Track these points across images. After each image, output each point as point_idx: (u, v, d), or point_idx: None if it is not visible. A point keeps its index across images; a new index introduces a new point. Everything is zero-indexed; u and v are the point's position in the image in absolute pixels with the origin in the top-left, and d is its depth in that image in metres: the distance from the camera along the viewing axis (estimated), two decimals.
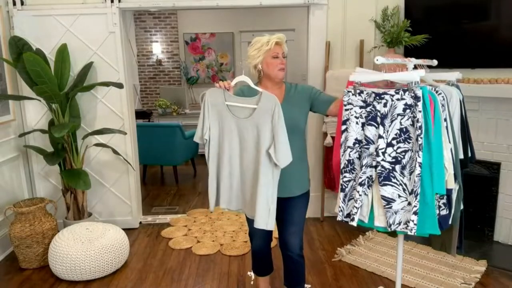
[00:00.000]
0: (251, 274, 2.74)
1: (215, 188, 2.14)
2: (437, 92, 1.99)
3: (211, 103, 2.06)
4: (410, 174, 1.93)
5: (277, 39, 2.15)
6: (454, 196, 2.09)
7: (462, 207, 2.20)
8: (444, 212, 2.04)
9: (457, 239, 2.29)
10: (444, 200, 2.03)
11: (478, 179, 3.49)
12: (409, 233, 1.93)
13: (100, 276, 3.04)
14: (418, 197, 1.89)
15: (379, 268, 3.11)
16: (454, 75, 2.25)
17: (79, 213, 3.55)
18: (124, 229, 3.41)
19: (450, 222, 2.10)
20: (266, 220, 2.03)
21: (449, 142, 2.00)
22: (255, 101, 2.02)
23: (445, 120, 1.99)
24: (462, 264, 3.12)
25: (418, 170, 1.87)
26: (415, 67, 2.17)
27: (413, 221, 1.91)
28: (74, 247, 2.97)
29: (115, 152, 3.58)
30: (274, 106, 1.98)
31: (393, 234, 3.56)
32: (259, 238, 2.44)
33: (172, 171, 5.66)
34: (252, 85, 2.09)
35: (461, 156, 2.15)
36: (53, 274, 3.09)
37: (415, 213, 1.90)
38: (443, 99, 2.00)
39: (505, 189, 3.41)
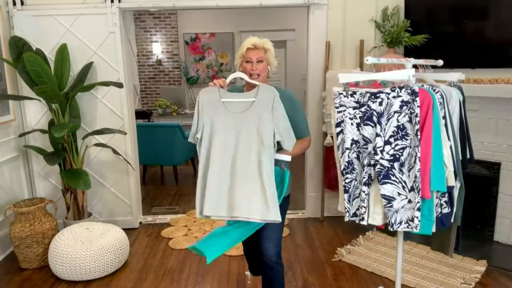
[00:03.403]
0: (248, 274, 2.75)
1: (200, 192, 2.00)
2: (435, 90, 2.00)
3: (206, 102, 2.05)
4: (409, 171, 1.94)
5: (250, 45, 2.13)
6: (455, 193, 2.09)
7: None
8: (446, 210, 2.04)
9: (455, 240, 2.29)
10: (446, 198, 2.04)
11: (478, 179, 3.49)
12: (414, 230, 1.92)
13: (100, 276, 3.04)
14: (420, 192, 1.89)
15: (379, 268, 3.11)
16: (456, 75, 2.25)
17: (79, 213, 3.55)
18: (124, 229, 3.41)
19: (452, 220, 2.10)
20: (273, 210, 1.93)
21: (449, 139, 2.00)
22: (253, 94, 2.02)
23: (444, 118, 1.99)
24: (462, 264, 3.12)
25: (418, 165, 1.88)
26: (415, 67, 2.17)
27: (417, 217, 1.91)
28: (74, 247, 2.97)
29: (115, 152, 3.58)
30: (273, 96, 1.99)
31: (393, 233, 3.56)
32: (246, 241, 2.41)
33: (172, 171, 5.67)
34: (248, 79, 2.11)
35: (460, 157, 2.15)
36: (53, 274, 3.09)
37: (418, 209, 1.90)
38: (442, 97, 2.01)
39: (505, 189, 3.41)
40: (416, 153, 1.88)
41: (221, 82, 2.07)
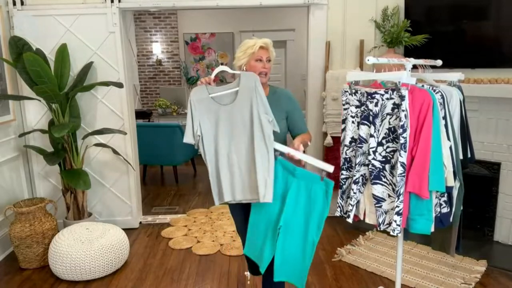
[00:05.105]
0: (248, 274, 2.74)
1: (216, 183, 2.14)
2: (435, 91, 2.01)
3: (197, 101, 2.10)
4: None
5: (262, 44, 2.17)
6: (455, 193, 2.10)
7: (461, 207, 2.20)
8: (445, 210, 2.05)
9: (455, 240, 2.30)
10: (445, 198, 2.04)
11: (478, 179, 3.49)
12: (391, 233, 1.95)
13: (100, 276, 3.04)
14: (401, 197, 1.90)
15: (379, 268, 3.11)
16: (455, 75, 2.26)
17: (79, 213, 3.55)
18: (124, 229, 3.41)
19: (451, 220, 2.11)
20: (263, 192, 2.01)
21: (449, 140, 2.01)
22: (236, 84, 2.06)
23: (444, 118, 2.00)
24: (462, 264, 3.12)
25: (400, 169, 1.89)
26: (415, 67, 2.18)
27: (395, 221, 1.92)
28: (74, 247, 2.97)
29: (115, 152, 3.58)
30: (254, 82, 2.03)
31: None
32: (244, 235, 2.43)
33: (172, 171, 5.67)
34: (230, 71, 2.14)
35: (461, 156, 2.16)
36: (53, 274, 3.09)
37: (398, 213, 1.91)
38: (442, 97, 2.02)
39: (505, 189, 3.41)
40: (398, 157, 1.89)
41: (207, 79, 2.12)
